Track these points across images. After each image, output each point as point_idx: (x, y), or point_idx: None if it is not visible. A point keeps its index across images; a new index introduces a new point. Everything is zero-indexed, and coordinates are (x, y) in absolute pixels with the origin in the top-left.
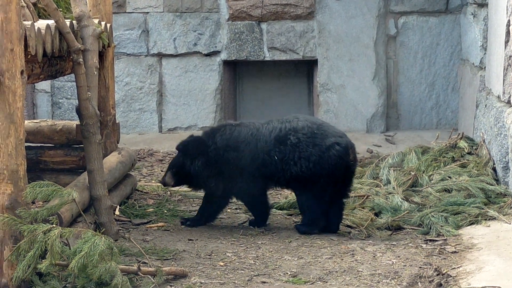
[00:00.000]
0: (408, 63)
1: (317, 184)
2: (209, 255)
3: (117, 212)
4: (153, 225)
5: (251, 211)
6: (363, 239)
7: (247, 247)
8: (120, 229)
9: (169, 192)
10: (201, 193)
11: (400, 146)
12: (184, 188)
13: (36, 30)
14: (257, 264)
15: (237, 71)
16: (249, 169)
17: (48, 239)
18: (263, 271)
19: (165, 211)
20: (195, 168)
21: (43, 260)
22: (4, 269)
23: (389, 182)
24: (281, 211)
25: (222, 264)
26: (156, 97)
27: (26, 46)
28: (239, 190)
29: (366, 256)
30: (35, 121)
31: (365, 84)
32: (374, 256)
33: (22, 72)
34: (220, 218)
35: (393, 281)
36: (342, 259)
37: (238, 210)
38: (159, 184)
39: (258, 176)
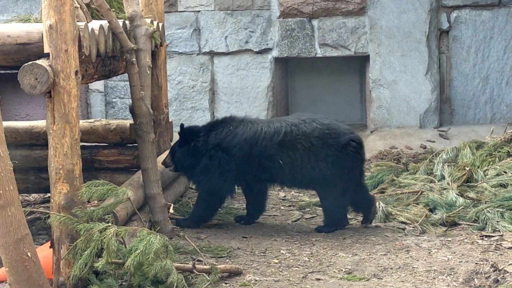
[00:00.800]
0: (461, 57)
1: (339, 183)
2: (263, 253)
3: (171, 210)
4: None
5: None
6: (417, 235)
7: (301, 244)
8: (175, 227)
9: None
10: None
11: (454, 141)
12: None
13: (89, 31)
14: (312, 261)
15: (288, 68)
16: (240, 171)
17: (104, 237)
18: (317, 268)
19: (219, 209)
20: (180, 153)
21: (100, 259)
22: (62, 267)
23: (443, 177)
24: None
25: (276, 261)
26: (208, 95)
27: (80, 46)
28: (223, 189)
29: (421, 252)
30: (89, 120)
31: (418, 79)
32: (429, 253)
33: (76, 73)
34: (274, 215)
35: (449, 277)
36: (397, 256)
37: (291, 208)
38: None
39: (250, 178)
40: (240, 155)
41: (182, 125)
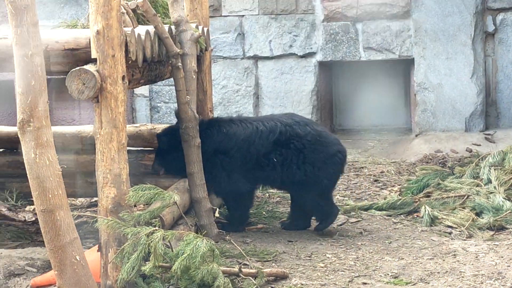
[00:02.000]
0: (507, 60)
1: (319, 186)
2: (309, 257)
3: (216, 214)
4: (252, 226)
5: (229, 211)
6: (464, 240)
7: (347, 248)
8: (220, 231)
9: (267, 194)
10: None
11: (500, 144)
12: None
13: (136, 36)
14: (357, 265)
15: (332, 72)
16: (238, 170)
17: (151, 241)
18: (363, 272)
19: (264, 212)
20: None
21: (147, 262)
22: (109, 271)
23: (490, 181)
24: (380, 212)
25: (322, 265)
26: (252, 99)
27: (127, 52)
28: (221, 188)
29: (468, 256)
30: (135, 125)
31: (463, 83)
32: (476, 257)
33: (123, 78)
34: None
35: (496, 282)
36: (443, 260)
37: None
38: None
39: (248, 177)
40: (239, 156)
41: (170, 129)
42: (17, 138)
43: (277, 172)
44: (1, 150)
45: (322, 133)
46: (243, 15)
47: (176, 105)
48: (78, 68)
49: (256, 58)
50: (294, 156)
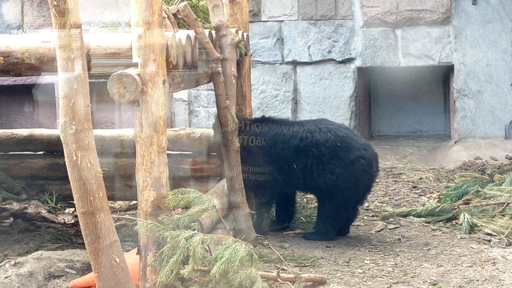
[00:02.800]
0: None
1: (340, 195)
2: (347, 262)
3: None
4: (290, 231)
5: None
6: (504, 247)
7: (385, 255)
8: (258, 236)
9: (305, 199)
10: None
11: None
12: None
13: (177, 41)
14: (396, 271)
15: (371, 77)
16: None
17: (190, 245)
18: (402, 279)
19: (302, 218)
20: None
21: (185, 266)
22: (148, 274)
23: None
24: (418, 219)
25: (360, 271)
26: (291, 104)
27: (167, 56)
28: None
29: (508, 264)
30: (174, 129)
31: (503, 90)
32: None
33: (164, 82)
34: (357, 225)
35: None
36: (483, 268)
37: (375, 218)
38: None
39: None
40: (260, 157)
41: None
42: (57, 141)
43: (298, 178)
44: (41, 152)
45: (345, 138)
46: (282, 20)
47: (214, 109)
48: (119, 71)
49: (295, 64)
50: (314, 164)
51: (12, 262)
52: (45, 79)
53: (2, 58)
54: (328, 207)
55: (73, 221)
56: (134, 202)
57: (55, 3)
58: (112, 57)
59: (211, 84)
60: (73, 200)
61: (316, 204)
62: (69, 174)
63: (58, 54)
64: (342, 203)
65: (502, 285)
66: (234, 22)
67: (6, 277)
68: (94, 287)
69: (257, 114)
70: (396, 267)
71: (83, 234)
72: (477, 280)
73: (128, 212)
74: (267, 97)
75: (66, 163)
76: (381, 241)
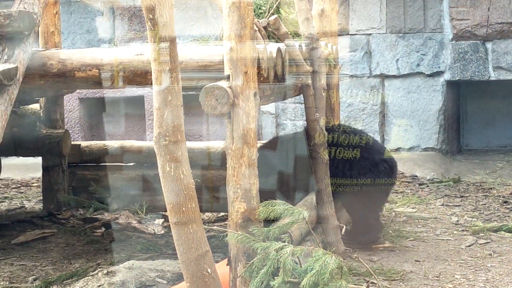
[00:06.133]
0: None
1: (366, 197)
2: (437, 277)
3: (342, 232)
4: (379, 245)
5: None
6: None
7: (476, 270)
8: (347, 249)
9: (393, 213)
10: (426, 214)
11: None
12: (409, 209)
13: (268, 53)
14: (487, 287)
15: (460, 91)
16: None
17: (281, 256)
18: None
19: (390, 231)
20: None
21: (275, 277)
22: (238, 285)
23: None
24: (510, 234)
25: (451, 286)
26: (378, 118)
27: (258, 68)
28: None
29: None
30: (262, 142)
31: None
32: None
33: (255, 94)
34: (447, 239)
35: None
36: None
37: (464, 232)
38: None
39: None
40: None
41: None
42: (147, 152)
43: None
44: (131, 164)
45: (369, 141)
46: (370, 34)
47: (301, 122)
48: (212, 84)
49: (383, 77)
50: (341, 164)
51: (105, 271)
52: (134, 91)
53: (96, 70)
54: (357, 211)
55: (163, 231)
56: (222, 214)
57: (151, 16)
58: (204, 70)
59: (298, 97)
60: (162, 211)
61: (404, 218)
62: (162, 185)
63: (153, 66)
64: (367, 207)
65: None
66: (323, 35)
67: (99, 286)
68: None
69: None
70: (487, 282)
71: (175, 244)
72: None
73: (216, 224)
74: (355, 110)
75: (159, 174)
76: (472, 256)
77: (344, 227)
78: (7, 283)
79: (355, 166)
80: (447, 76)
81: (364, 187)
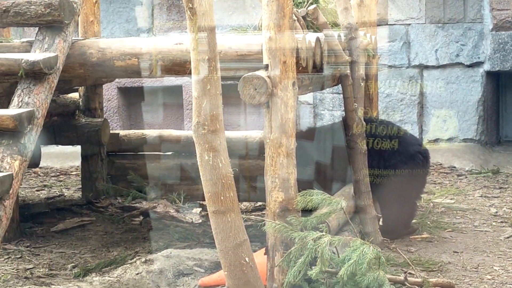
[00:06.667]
0: None
1: (400, 190)
2: (475, 268)
3: (380, 223)
4: (417, 236)
5: None
6: None
7: None
8: (384, 239)
9: (432, 204)
10: (464, 205)
11: None
12: (447, 200)
13: (307, 43)
14: None
15: (500, 82)
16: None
17: (318, 246)
18: None
19: (428, 222)
20: None
21: (313, 267)
22: (275, 274)
23: None
24: None
25: (489, 277)
26: (416, 108)
27: (297, 58)
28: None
29: None
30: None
31: None
32: None
33: (293, 84)
34: (485, 231)
35: None
36: None
37: (503, 224)
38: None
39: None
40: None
41: None
42: (185, 142)
43: None
44: (170, 153)
45: (402, 134)
46: (409, 24)
47: (339, 112)
48: (250, 73)
49: (421, 67)
50: (375, 158)
51: (143, 259)
52: (173, 81)
53: (136, 60)
54: (389, 204)
55: (200, 220)
56: (259, 203)
57: (190, 6)
58: (243, 60)
59: (336, 87)
60: (200, 200)
61: (443, 209)
62: (200, 174)
63: (192, 56)
64: (402, 200)
65: None
66: (362, 25)
67: (137, 274)
68: (222, 286)
69: (382, 118)
70: None
71: (213, 233)
72: None
73: (253, 214)
74: (393, 101)
75: (198, 163)
76: (511, 247)
77: (381, 217)
78: (47, 270)
79: (391, 157)
80: (486, 66)
81: (399, 178)
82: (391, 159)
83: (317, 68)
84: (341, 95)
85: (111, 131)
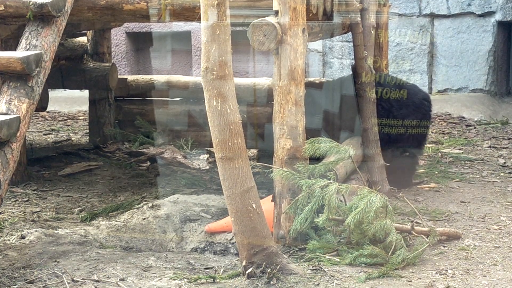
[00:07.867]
0: None
1: (408, 141)
2: (482, 218)
3: None
4: (424, 185)
5: None
6: None
7: None
8: (392, 188)
9: (440, 154)
10: (472, 156)
11: None
12: (456, 150)
13: None
14: None
15: (511, 32)
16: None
17: (326, 194)
18: None
19: (436, 172)
20: None
21: (320, 215)
22: (282, 221)
23: None
24: None
25: (496, 227)
26: (427, 58)
27: (307, 4)
28: None
29: None
30: (308, 79)
31: None
32: None
33: (303, 30)
34: (493, 181)
35: None
36: None
37: (511, 175)
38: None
39: None
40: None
41: None
42: (193, 87)
43: None
44: (178, 99)
45: (408, 84)
46: None
47: (348, 61)
48: (260, 19)
49: (432, 16)
50: (384, 116)
51: (150, 205)
52: (181, 26)
53: (144, 3)
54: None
55: (207, 167)
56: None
57: None
58: (252, 7)
59: (345, 35)
60: (207, 146)
61: (451, 159)
62: (208, 120)
63: (202, 0)
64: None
65: None
66: None
67: (144, 219)
68: (228, 232)
69: (392, 67)
70: None
71: (220, 179)
72: None
73: (260, 161)
74: (403, 50)
75: (206, 109)
76: None
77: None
78: (54, 213)
79: (399, 107)
80: (498, 16)
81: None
82: (403, 108)
83: (327, 15)
84: (351, 44)
85: (119, 76)
